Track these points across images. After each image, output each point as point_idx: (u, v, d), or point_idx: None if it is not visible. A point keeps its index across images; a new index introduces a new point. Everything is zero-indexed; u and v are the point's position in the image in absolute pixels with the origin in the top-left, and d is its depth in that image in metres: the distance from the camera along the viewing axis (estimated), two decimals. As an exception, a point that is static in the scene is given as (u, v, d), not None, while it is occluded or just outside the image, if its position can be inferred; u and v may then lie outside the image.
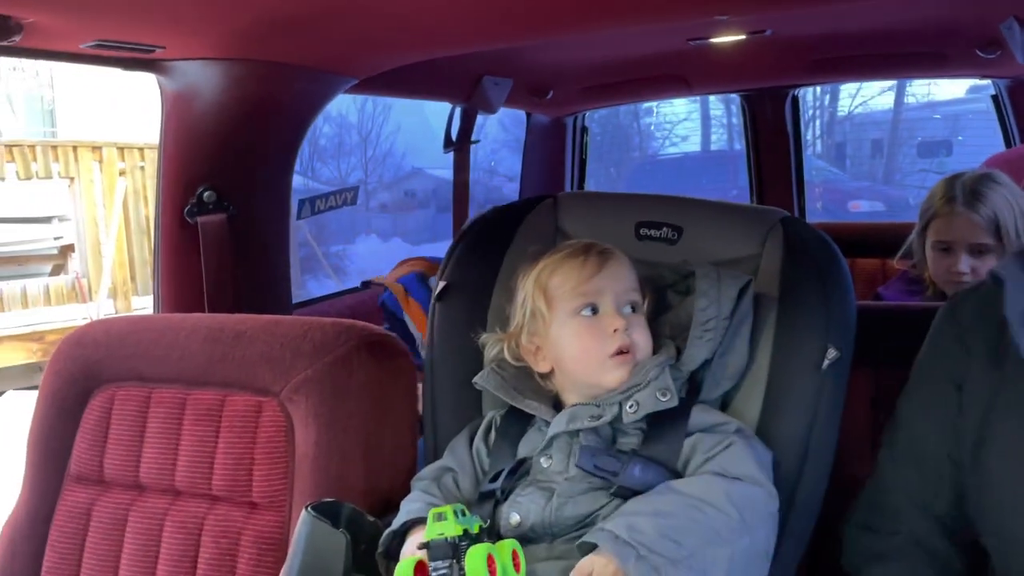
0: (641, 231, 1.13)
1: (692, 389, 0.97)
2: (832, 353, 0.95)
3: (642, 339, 0.97)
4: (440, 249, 2.09)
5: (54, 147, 5.57)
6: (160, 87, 1.49)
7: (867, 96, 11.46)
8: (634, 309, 0.99)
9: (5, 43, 1.12)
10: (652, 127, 12.43)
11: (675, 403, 0.92)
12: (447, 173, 2.63)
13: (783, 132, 2.62)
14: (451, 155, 2.52)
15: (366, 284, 1.95)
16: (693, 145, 12.31)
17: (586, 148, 2.95)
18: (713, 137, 12.35)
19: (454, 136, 2.45)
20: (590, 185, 3.09)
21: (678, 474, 0.91)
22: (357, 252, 10.69)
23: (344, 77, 1.65)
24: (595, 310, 0.97)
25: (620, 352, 0.95)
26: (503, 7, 1.30)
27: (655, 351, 0.98)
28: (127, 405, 1.15)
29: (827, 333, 0.96)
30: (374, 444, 1.06)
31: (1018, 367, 0.80)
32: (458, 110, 2.43)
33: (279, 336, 1.11)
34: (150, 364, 1.16)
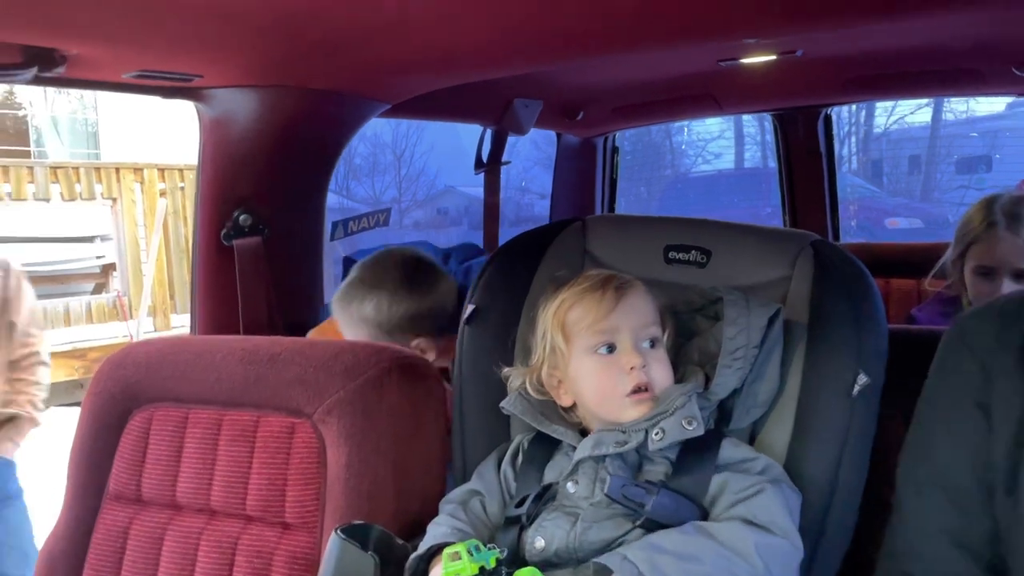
0: (670, 254, 1.13)
1: (722, 417, 0.97)
2: (863, 379, 0.94)
3: (661, 375, 0.97)
4: (472, 266, 2.11)
5: (97, 169, 5.72)
6: (198, 113, 1.53)
7: (904, 112, 11.32)
8: (653, 344, 0.98)
9: (50, 74, 1.17)
10: (684, 145, 12.40)
11: (701, 431, 0.91)
12: (479, 191, 2.65)
13: (816, 151, 2.60)
14: (483, 174, 2.54)
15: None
16: (726, 163, 12.25)
17: (617, 168, 2.95)
18: (747, 155, 12.28)
19: (485, 158, 2.48)
20: (621, 205, 3.09)
21: (704, 509, 0.90)
22: (390, 270, 10.77)
23: (377, 102, 1.68)
24: (612, 348, 0.97)
25: (637, 390, 0.95)
26: (534, 33, 1.32)
27: (683, 378, 0.98)
28: (165, 425, 1.17)
29: (858, 358, 0.95)
30: (404, 466, 1.07)
31: None
32: (489, 132, 2.46)
33: (312, 358, 1.13)
34: (188, 385, 1.18)
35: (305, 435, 1.10)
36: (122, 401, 1.21)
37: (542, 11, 1.17)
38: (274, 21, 1.13)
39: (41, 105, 7.87)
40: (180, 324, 5.84)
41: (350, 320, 1.37)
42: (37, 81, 1.15)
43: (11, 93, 7.36)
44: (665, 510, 0.88)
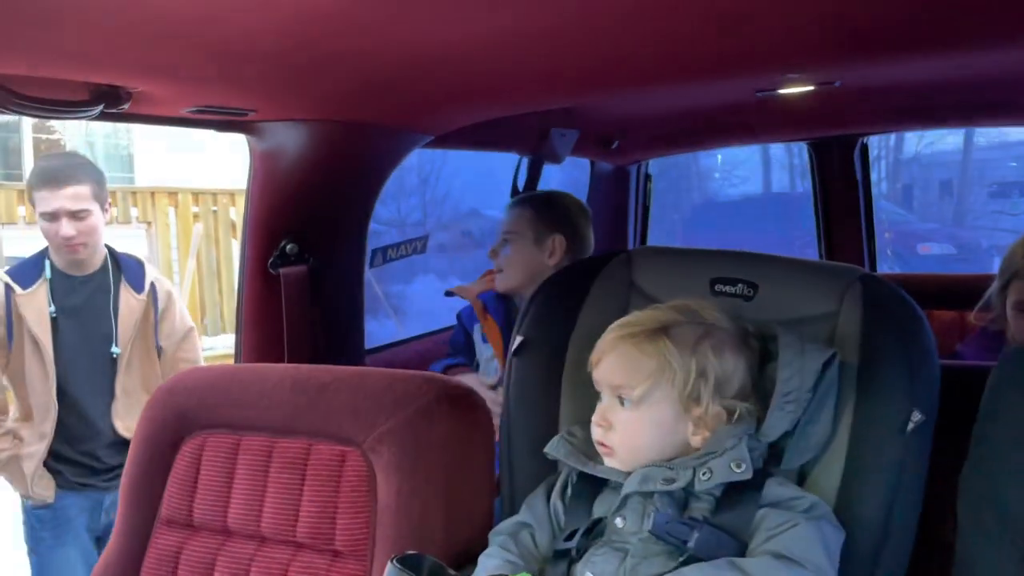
0: (716, 287, 1.14)
1: (773, 457, 0.97)
2: (917, 416, 0.94)
3: (619, 439, 0.97)
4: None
5: (133, 193, 5.83)
6: (249, 146, 1.57)
7: (935, 137, 11.22)
8: (624, 404, 0.97)
9: (115, 110, 1.21)
10: (712, 170, 12.39)
11: (749, 475, 0.92)
12: (502, 213, 2.68)
13: (852, 180, 2.60)
14: (506, 195, 2.57)
15: (449, 293, 2.02)
16: (754, 187, 12.20)
17: (649, 195, 2.97)
18: (774, 178, 12.23)
19: (521, 186, 2.50)
20: (654, 231, 3.10)
21: (746, 546, 0.90)
22: (416, 292, 10.84)
23: (420, 134, 1.71)
24: (600, 397, 1.01)
25: (600, 443, 0.99)
26: (576, 68, 1.34)
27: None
28: (217, 451, 1.20)
29: (911, 396, 0.95)
30: (454, 496, 1.09)
31: None
32: (525, 160, 2.49)
33: (363, 388, 1.15)
34: (239, 412, 1.21)
35: (355, 464, 1.11)
36: (175, 427, 1.24)
37: (585, 47, 1.19)
38: (325, 60, 1.17)
39: (75, 129, 8.04)
40: (209, 347, 5.91)
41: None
42: (103, 117, 1.19)
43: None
44: (707, 546, 0.89)
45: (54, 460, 2.06)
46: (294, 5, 0.90)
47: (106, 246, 2.15)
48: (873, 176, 2.74)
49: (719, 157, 11.47)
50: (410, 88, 1.38)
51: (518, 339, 1.17)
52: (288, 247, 1.60)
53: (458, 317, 2.04)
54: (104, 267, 2.10)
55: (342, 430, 1.13)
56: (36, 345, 2.01)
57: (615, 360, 0.98)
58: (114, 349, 2.05)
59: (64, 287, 2.06)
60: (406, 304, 10.61)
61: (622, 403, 0.97)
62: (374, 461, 1.11)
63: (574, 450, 1.02)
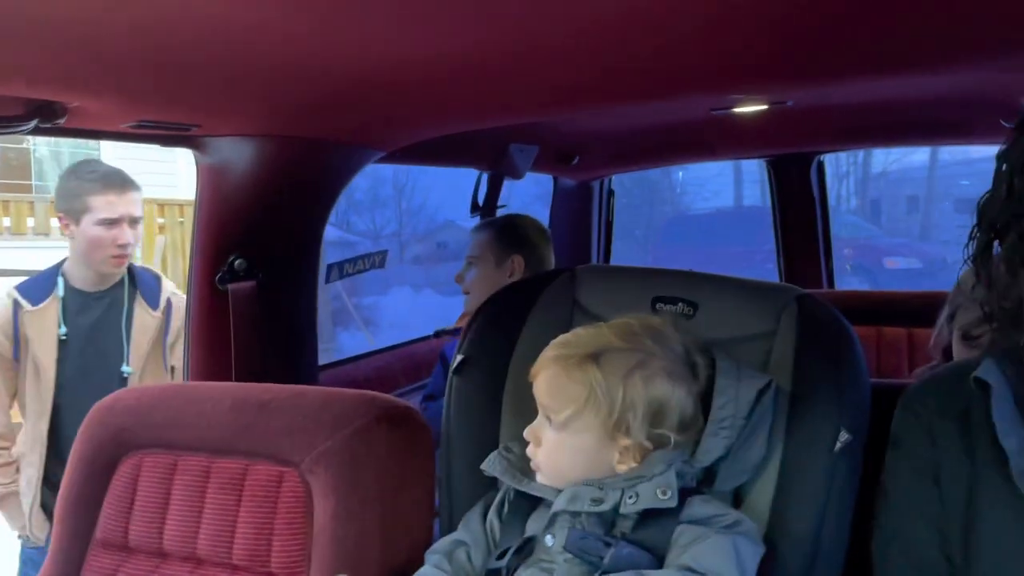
0: (657, 306, 1.14)
1: (707, 479, 0.98)
2: (844, 436, 0.94)
3: (544, 458, 0.97)
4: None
5: (99, 204, 5.75)
6: (196, 160, 1.56)
7: (902, 153, 11.42)
8: (551, 425, 0.97)
9: (50, 125, 1.19)
10: (683, 183, 12.50)
11: (673, 503, 0.92)
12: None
13: (809, 196, 2.64)
14: (476, 216, 2.57)
15: (438, 333, 2.04)
16: (726, 200, 12.33)
17: (612, 211, 2.99)
18: (746, 193, 12.37)
19: (481, 201, 2.51)
20: (619, 245, 3.12)
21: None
22: (389, 304, 10.80)
23: (372, 150, 1.71)
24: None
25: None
26: (529, 86, 1.35)
27: (667, 445, 0.97)
28: (154, 472, 1.18)
29: (840, 416, 0.96)
30: (391, 517, 1.08)
31: (994, 465, 0.79)
32: (485, 176, 2.49)
33: (302, 407, 1.14)
34: (178, 432, 1.19)
35: (292, 485, 1.10)
36: (112, 447, 1.21)
37: (540, 66, 1.19)
38: (270, 74, 1.16)
39: (43, 140, 7.95)
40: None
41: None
42: (37, 131, 1.18)
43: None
44: (623, 563, 0.89)
45: (52, 493, 1.98)
46: (237, 18, 0.90)
47: None
48: (842, 191, 2.78)
49: (680, 174, 11.59)
50: (360, 104, 1.38)
51: (459, 357, 1.16)
52: (236, 262, 1.58)
53: (442, 358, 2.02)
54: (120, 282, 2.02)
55: (280, 450, 1.12)
56: (37, 369, 1.93)
57: (545, 381, 0.98)
58: (124, 368, 1.98)
59: (77, 305, 1.98)
60: (379, 316, 10.56)
61: (550, 422, 0.97)
62: (311, 482, 1.09)
63: (510, 467, 1.01)
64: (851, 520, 0.97)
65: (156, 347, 2.03)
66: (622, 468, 0.95)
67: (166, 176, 7.57)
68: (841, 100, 2.11)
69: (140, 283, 2.04)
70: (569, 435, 0.96)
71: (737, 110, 2.04)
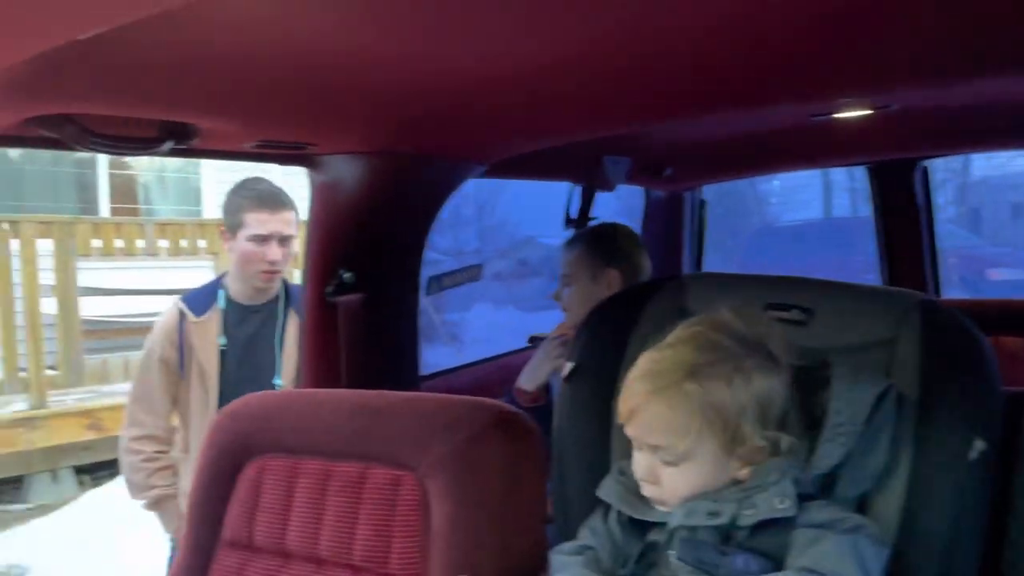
0: (770, 312, 1.13)
1: (827, 487, 0.96)
2: (980, 445, 0.91)
3: (671, 492, 0.96)
4: (553, 317, 2.14)
5: (201, 225, 6.04)
6: (310, 179, 1.63)
7: (1006, 158, 10.88)
8: (669, 463, 0.96)
9: (183, 146, 1.27)
10: (770, 194, 12.23)
11: (792, 512, 0.90)
12: (559, 242, 2.70)
13: (913, 204, 2.54)
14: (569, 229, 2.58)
15: (532, 340, 2.05)
16: (814, 211, 11.99)
17: (704, 222, 2.95)
18: (835, 203, 12.00)
19: (573, 214, 2.52)
20: (710, 257, 3.08)
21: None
22: (472, 320, 10.91)
23: (472, 164, 1.75)
24: (639, 447, 0.99)
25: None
26: (624, 96, 1.36)
27: (786, 448, 0.96)
28: (276, 475, 1.23)
29: (974, 425, 0.92)
30: (507, 522, 1.09)
31: None
32: (577, 189, 2.51)
33: (416, 413, 1.17)
34: (297, 437, 1.24)
35: (409, 488, 1.13)
36: (237, 451, 1.27)
37: (634, 75, 1.21)
38: (382, 95, 1.21)
39: (147, 165, 8.39)
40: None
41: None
42: (172, 153, 1.26)
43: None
44: (740, 572, 0.88)
45: None
46: (345, 41, 0.94)
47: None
48: (940, 200, 2.67)
49: (775, 182, 11.32)
50: (462, 119, 1.42)
51: (569, 365, 1.18)
52: (345, 276, 1.64)
53: None
54: (277, 296, 2.10)
55: (396, 455, 1.15)
56: (203, 376, 2.00)
57: (649, 421, 0.96)
58: (277, 381, 2.03)
59: (236, 317, 2.05)
60: (463, 331, 10.69)
61: (667, 462, 0.96)
62: (428, 486, 1.12)
63: (625, 492, 1.02)
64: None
65: None
66: (743, 474, 0.94)
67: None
68: (946, 102, 2.03)
69: (293, 297, 2.09)
70: (688, 465, 0.95)
71: (838, 115, 2.00)
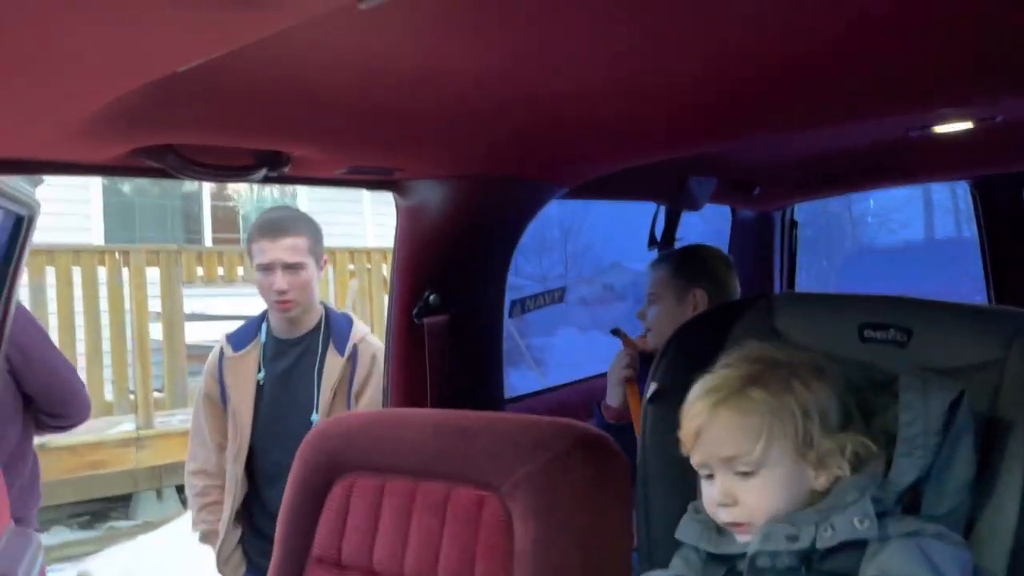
0: (865, 332, 1.08)
1: (912, 505, 0.91)
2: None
3: (754, 508, 0.92)
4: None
5: (296, 252, 6.25)
6: (396, 203, 1.67)
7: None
8: (745, 475, 0.92)
9: (276, 173, 1.32)
10: (866, 215, 11.78)
11: (873, 532, 0.86)
12: (645, 266, 2.67)
13: (1021, 220, 2.40)
14: (653, 250, 2.55)
15: (616, 331, 1.99)
16: (914, 232, 11.47)
17: (796, 242, 2.86)
18: (937, 223, 11.46)
19: (658, 235, 2.49)
20: (801, 279, 2.98)
21: None
22: (557, 345, 10.88)
23: (556, 186, 1.75)
24: (709, 475, 0.96)
25: (729, 523, 0.94)
26: (710, 112, 1.34)
27: (862, 464, 0.92)
28: (364, 493, 1.25)
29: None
30: (591, 544, 1.08)
31: None
32: (662, 209, 2.48)
33: (500, 433, 1.17)
34: (384, 456, 1.26)
35: (493, 508, 1.13)
36: (326, 470, 1.30)
37: (722, 91, 1.19)
38: (467, 119, 1.23)
39: (248, 196, 8.78)
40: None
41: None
42: (266, 180, 1.31)
43: (223, 186, 8.27)
44: None
45: (252, 537, 1.99)
46: (434, 68, 0.96)
47: (322, 304, 2.07)
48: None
49: (871, 201, 10.91)
50: (545, 141, 1.42)
51: (653, 386, 1.16)
52: (431, 298, 1.67)
53: None
54: (316, 328, 2.00)
55: (480, 475, 1.16)
56: (235, 414, 1.97)
57: (718, 432, 0.94)
58: (313, 417, 1.95)
59: (273, 351, 2.00)
60: (547, 356, 10.67)
61: (740, 475, 0.93)
62: (511, 506, 1.12)
63: (705, 529, 0.99)
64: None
65: (341, 394, 1.97)
66: (821, 482, 0.92)
67: (356, 227, 8.14)
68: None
69: (333, 328, 2.01)
70: (766, 473, 0.92)
71: (939, 129, 1.91)
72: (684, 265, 1.91)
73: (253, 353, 2.00)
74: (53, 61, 0.77)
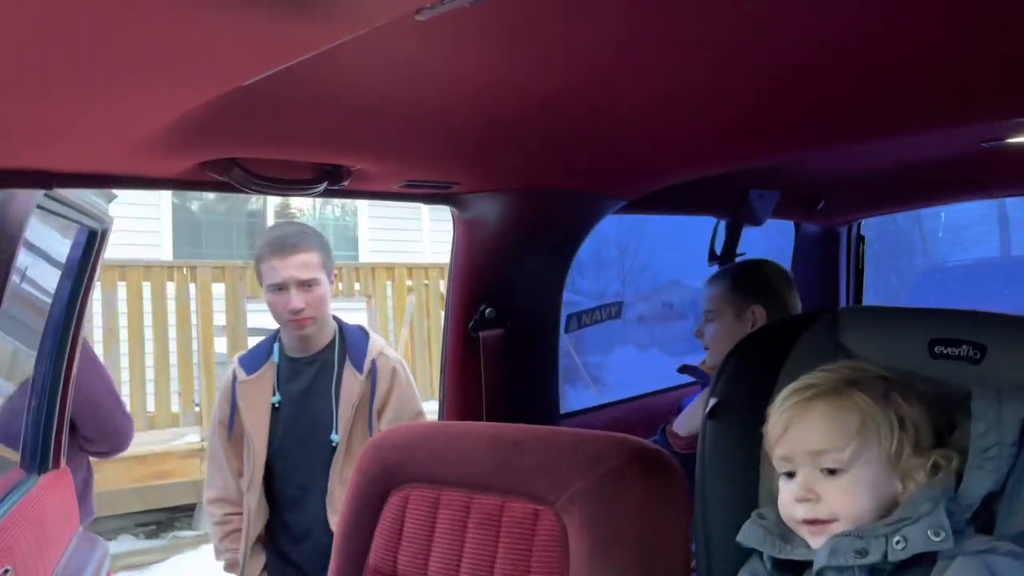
0: (936, 348, 1.04)
1: (986, 523, 0.87)
2: None
3: (840, 505, 0.89)
4: (700, 360, 2.07)
5: (356, 268, 6.36)
6: (453, 217, 1.68)
7: None
8: (833, 471, 0.90)
9: (336, 187, 1.34)
10: (937, 231, 11.41)
11: (948, 544, 0.83)
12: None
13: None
14: (713, 265, 2.51)
15: (684, 369, 1.97)
16: (989, 249, 11.05)
17: (863, 258, 2.78)
18: (1013, 240, 11.02)
19: (718, 250, 2.45)
20: (868, 297, 2.89)
21: None
22: (614, 363, 10.79)
23: (614, 199, 1.74)
24: (791, 473, 0.93)
25: (808, 521, 0.90)
26: (773, 124, 1.31)
27: (927, 465, 0.89)
28: (419, 505, 1.25)
29: None
30: (647, 560, 1.06)
31: None
32: (722, 224, 2.44)
33: (555, 446, 1.16)
34: (440, 468, 1.26)
35: (548, 523, 1.12)
36: (382, 481, 1.31)
37: (785, 101, 1.16)
38: (525, 133, 1.23)
39: (310, 214, 8.98)
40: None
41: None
42: (325, 193, 1.33)
43: (286, 205, 8.49)
44: None
45: (278, 562, 1.93)
46: (492, 83, 0.97)
47: (335, 319, 1.99)
48: None
49: (943, 216, 10.56)
50: (603, 154, 1.42)
51: (712, 401, 1.13)
52: (487, 311, 1.67)
53: (679, 410, 1.96)
54: (331, 344, 1.93)
55: (535, 488, 1.15)
56: (250, 440, 1.90)
57: (812, 424, 0.92)
58: (333, 436, 1.88)
59: (288, 371, 1.92)
60: (605, 374, 10.58)
61: (828, 472, 0.90)
62: (566, 521, 1.10)
63: (768, 534, 0.96)
64: None
65: (361, 413, 1.89)
66: (904, 496, 0.89)
67: (414, 243, 8.24)
68: None
69: (349, 344, 1.92)
70: (855, 473, 0.89)
71: (1012, 141, 1.84)
72: (742, 280, 1.87)
73: (267, 375, 1.92)
74: (125, 76, 0.80)
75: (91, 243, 1.99)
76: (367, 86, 0.95)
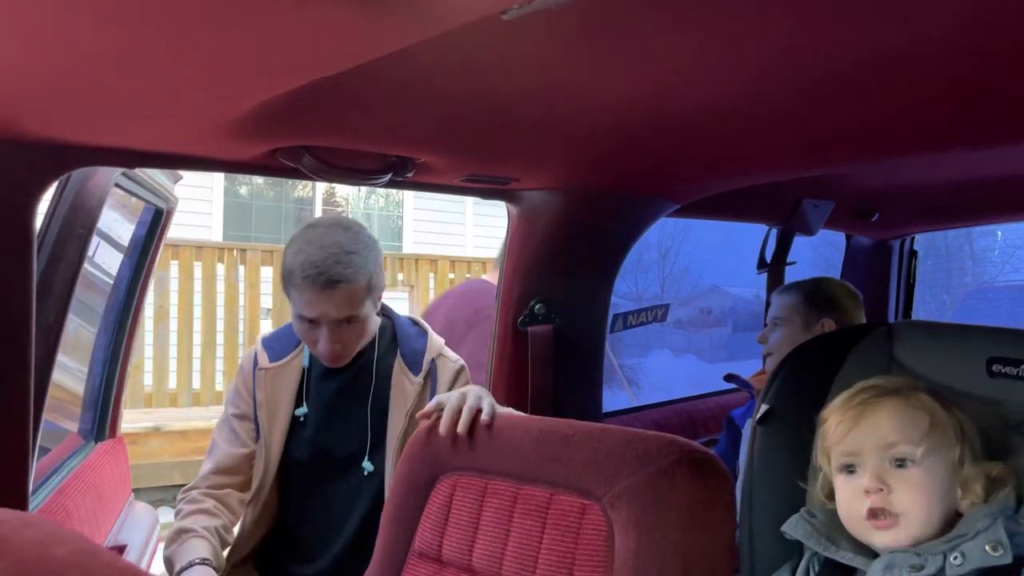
0: (994, 367, 1.03)
1: None
2: None
3: (908, 498, 0.89)
4: (737, 368, 2.08)
5: (400, 259, 6.43)
6: (508, 212, 1.70)
7: None
8: (903, 464, 0.90)
9: (400, 178, 1.38)
10: (991, 250, 11.12)
11: (1008, 559, 0.82)
12: (745, 291, 2.61)
13: None
14: (753, 273, 2.51)
15: (729, 377, 2.01)
16: (1043, 271, 10.74)
17: (914, 273, 2.75)
18: (1069, 261, 10.69)
19: (768, 257, 2.44)
20: (918, 313, 2.85)
21: None
22: (650, 366, 10.73)
23: (668, 202, 1.75)
24: (853, 469, 0.94)
25: (875, 515, 0.90)
26: (830, 133, 1.31)
27: (990, 495, 0.88)
28: (466, 493, 1.27)
29: None
30: (692, 561, 1.07)
31: None
32: (774, 231, 2.43)
33: (604, 443, 1.18)
34: (488, 458, 1.28)
35: (594, 517, 1.13)
36: (431, 467, 1.34)
37: (844, 110, 1.16)
38: (586, 133, 1.25)
39: (355, 202, 9.08)
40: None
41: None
42: (390, 184, 1.36)
43: (332, 193, 8.60)
44: None
45: None
46: (555, 81, 0.99)
47: (384, 309, 1.63)
48: None
49: (999, 234, 10.29)
50: (659, 155, 1.43)
51: (764, 407, 1.14)
52: (537, 307, 1.69)
53: (728, 422, 1.98)
54: (372, 341, 1.56)
55: (583, 483, 1.16)
56: (265, 443, 1.55)
57: (883, 419, 0.93)
58: (366, 464, 1.54)
59: (319, 371, 1.56)
60: (640, 377, 10.53)
61: (898, 464, 0.91)
62: (613, 517, 1.12)
63: (815, 532, 0.97)
64: None
65: (413, 421, 1.52)
66: (964, 506, 0.89)
67: (458, 236, 8.30)
68: None
69: (402, 339, 1.57)
70: (927, 468, 0.90)
71: (1078, 160, 1.81)
72: (816, 294, 1.93)
73: (294, 365, 1.56)
74: (213, 64, 0.83)
75: (156, 221, 2.06)
76: (443, 83, 0.97)
